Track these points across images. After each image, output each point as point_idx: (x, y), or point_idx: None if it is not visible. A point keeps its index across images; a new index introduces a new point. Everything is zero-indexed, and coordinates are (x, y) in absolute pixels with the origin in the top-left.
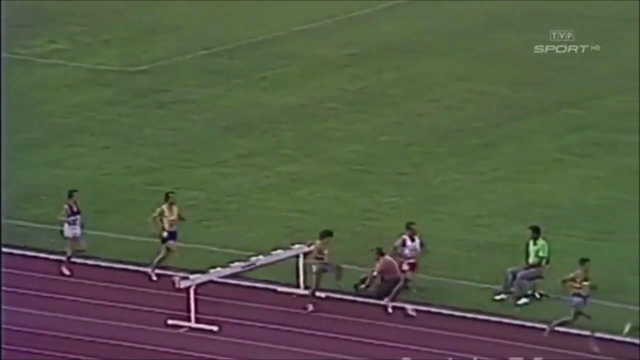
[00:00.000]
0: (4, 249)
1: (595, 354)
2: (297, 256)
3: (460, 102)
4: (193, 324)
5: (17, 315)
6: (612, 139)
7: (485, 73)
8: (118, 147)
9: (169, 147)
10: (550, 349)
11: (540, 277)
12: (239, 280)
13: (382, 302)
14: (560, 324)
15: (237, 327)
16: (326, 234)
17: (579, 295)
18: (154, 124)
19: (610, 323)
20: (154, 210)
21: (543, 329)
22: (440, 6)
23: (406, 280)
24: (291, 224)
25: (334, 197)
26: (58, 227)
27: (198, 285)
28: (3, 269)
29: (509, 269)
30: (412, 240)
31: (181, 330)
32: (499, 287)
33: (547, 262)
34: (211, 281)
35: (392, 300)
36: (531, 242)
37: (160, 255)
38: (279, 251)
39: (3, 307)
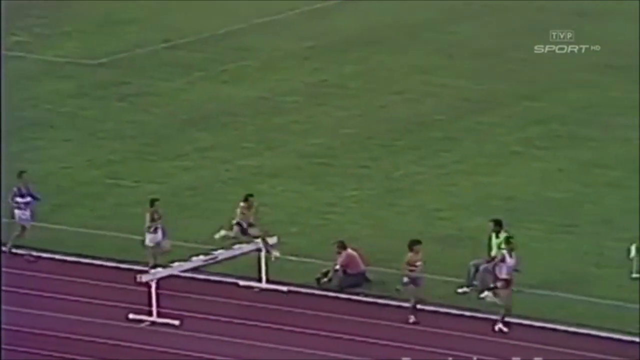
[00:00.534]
0: None
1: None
2: (259, 250)
3: (420, 95)
4: (155, 318)
5: None
6: (574, 132)
7: (446, 66)
8: (78, 140)
9: (130, 140)
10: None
11: None
12: (201, 274)
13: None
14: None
15: (198, 321)
16: (415, 243)
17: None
18: (114, 116)
19: (574, 316)
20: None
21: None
22: None
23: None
24: None
25: (296, 191)
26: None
27: (159, 280)
28: None
29: (472, 262)
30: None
31: (143, 325)
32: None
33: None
34: (172, 275)
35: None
36: (493, 235)
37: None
38: (241, 245)
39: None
